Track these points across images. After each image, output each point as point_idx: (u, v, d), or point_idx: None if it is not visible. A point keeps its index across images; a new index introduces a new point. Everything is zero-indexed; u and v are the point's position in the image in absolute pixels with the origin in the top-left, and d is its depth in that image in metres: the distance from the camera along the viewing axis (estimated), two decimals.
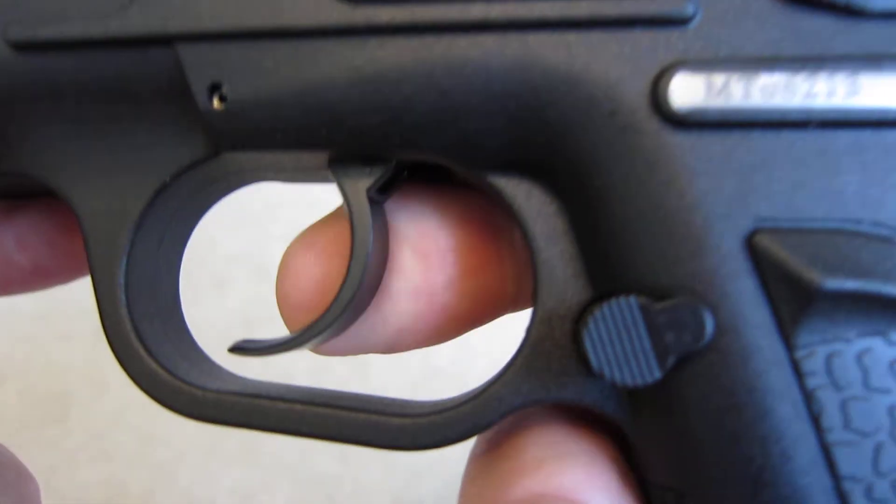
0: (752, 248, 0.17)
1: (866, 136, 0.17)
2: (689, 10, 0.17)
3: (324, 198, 0.65)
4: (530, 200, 0.20)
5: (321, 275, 0.22)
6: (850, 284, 0.16)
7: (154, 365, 0.22)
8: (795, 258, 0.17)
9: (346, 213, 0.21)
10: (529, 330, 0.20)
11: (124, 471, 0.61)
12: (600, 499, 0.19)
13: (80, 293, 0.64)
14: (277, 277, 0.23)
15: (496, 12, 0.18)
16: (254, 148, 0.20)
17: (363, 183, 0.20)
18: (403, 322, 0.22)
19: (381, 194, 0.21)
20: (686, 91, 0.17)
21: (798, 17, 0.17)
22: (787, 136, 0.17)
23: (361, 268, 0.20)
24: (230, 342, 0.25)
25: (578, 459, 0.19)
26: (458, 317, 0.23)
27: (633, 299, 0.17)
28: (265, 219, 0.63)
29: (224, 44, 0.19)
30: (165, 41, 0.19)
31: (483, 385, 0.20)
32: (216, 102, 0.19)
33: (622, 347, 0.18)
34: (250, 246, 0.62)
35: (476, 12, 0.18)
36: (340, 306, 0.21)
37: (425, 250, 0.22)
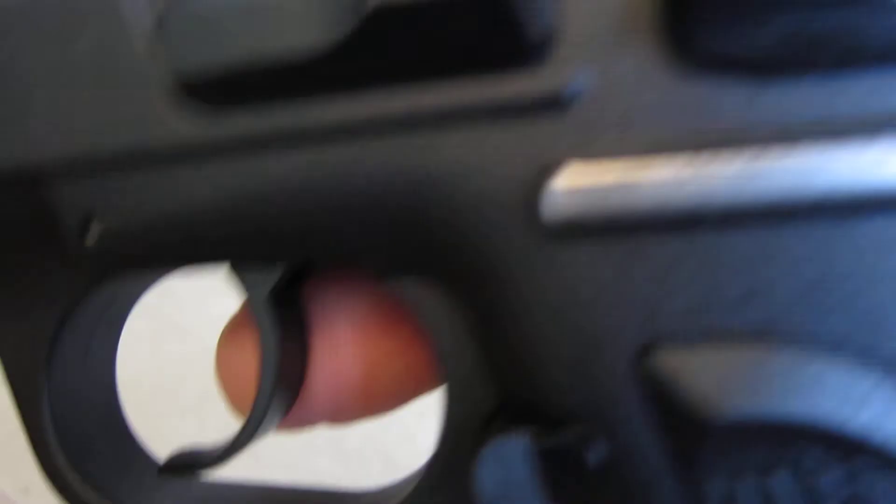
0: (647, 370, 0.15)
1: (775, 230, 0.14)
2: (570, 92, 0.14)
3: None
4: (428, 301, 0.18)
5: (254, 363, 0.22)
6: (752, 413, 0.14)
7: (92, 494, 0.21)
8: (691, 382, 0.14)
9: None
10: (439, 439, 0.19)
11: None
12: None
13: None
14: (216, 367, 0.23)
15: (356, 112, 0.16)
16: (133, 271, 0.19)
17: (265, 285, 0.19)
18: (328, 408, 0.23)
19: (288, 290, 0.20)
20: (563, 195, 0.14)
21: (697, 91, 0.14)
22: (684, 239, 0.14)
23: (272, 373, 0.20)
24: None
25: None
26: (382, 400, 0.23)
27: (520, 437, 0.15)
28: None
29: (89, 175, 0.18)
30: (26, 178, 0.18)
31: (400, 485, 0.20)
32: (88, 238, 0.18)
33: (509, 485, 0.16)
34: None
35: (335, 114, 0.16)
36: (261, 409, 0.20)
37: (339, 340, 0.22)
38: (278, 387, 0.20)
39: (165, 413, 0.61)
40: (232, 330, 0.23)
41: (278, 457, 0.63)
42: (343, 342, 0.22)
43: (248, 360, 0.22)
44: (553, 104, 0.14)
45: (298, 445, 0.63)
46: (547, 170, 0.14)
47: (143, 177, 0.17)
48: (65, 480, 0.21)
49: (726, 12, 0.13)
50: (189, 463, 0.23)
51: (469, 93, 0.15)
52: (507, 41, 0.14)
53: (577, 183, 0.14)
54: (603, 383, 0.15)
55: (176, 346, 0.62)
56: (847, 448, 0.14)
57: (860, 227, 0.13)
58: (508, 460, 0.16)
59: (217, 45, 0.15)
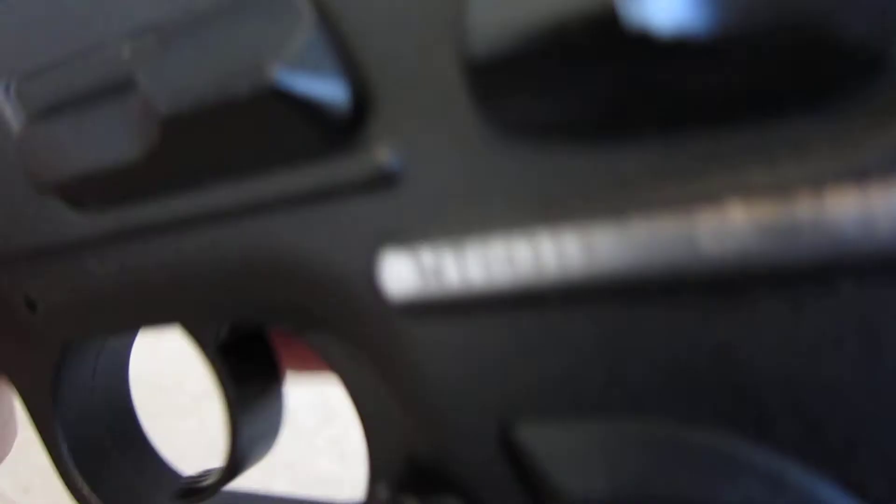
0: (510, 445, 0.14)
1: (626, 308, 0.12)
2: (387, 169, 0.13)
3: None
4: (333, 351, 0.17)
5: None
6: (613, 493, 0.13)
7: None
8: (551, 458, 0.13)
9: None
10: (367, 479, 0.19)
11: None
12: None
13: None
14: None
15: (201, 206, 0.16)
16: (95, 337, 0.21)
17: (214, 342, 0.19)
18: None
19: (242, 342, 0.20)
20: (399, 274, 0.14)
21: (520, 160, 0.13)
22: (533, 317, 0.13)
23: (236, 418, 0.21)
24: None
25: None
26: None
27: None
28: None
29: (19, 266, 0.20)
30: None
31: None
32: (38, 312, 0.20)
33: None
34: None
35: (175, 209, 0.17)
36: (236, 455, 0.22)
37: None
38: (247, 426, 0.21)
39: (165, 413, 0.61)
40: None
41: (278, 457, 0.63)
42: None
43: None
44: (370, 184, 0.14)
45: (299, 446, 0.63)
46: (378, 249, 0.14)
47: (57, 264, 0.19)
48: (84, 498, 0.22)
49: (521, 86, 0.12)
50: (191, 491, 0.23)
51: (288, 180, 0.15)
52: (307, 133, 0.14)
53: (402, 264, 0.14)
54: (472, 457, 0.15)
55: (176, 345, 0.62)
56: None
57: (715, 304, 0.12)
58: None
59: (66, 159, 0.17)
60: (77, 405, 0.23)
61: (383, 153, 0.13)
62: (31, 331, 0.21)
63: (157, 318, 0.19)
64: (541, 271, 0.12)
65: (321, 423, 0.64)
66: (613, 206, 0.12)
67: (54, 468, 0.22)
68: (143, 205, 0.17)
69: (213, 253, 0.17)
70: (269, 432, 0.22)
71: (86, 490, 0.22)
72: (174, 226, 0.17)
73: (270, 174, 0.15)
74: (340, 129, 0.14)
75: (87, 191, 0.17)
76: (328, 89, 0.13)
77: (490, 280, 0.13)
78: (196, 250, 0.17)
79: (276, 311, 0.17)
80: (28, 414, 0.22)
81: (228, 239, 0.16)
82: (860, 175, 0.10)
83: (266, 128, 0.14)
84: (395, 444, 0.17)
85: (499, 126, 0.13)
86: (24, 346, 0.21)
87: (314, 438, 0.58)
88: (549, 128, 0.12)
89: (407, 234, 0.14)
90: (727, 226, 0.11)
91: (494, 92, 0.12)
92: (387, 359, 0.15)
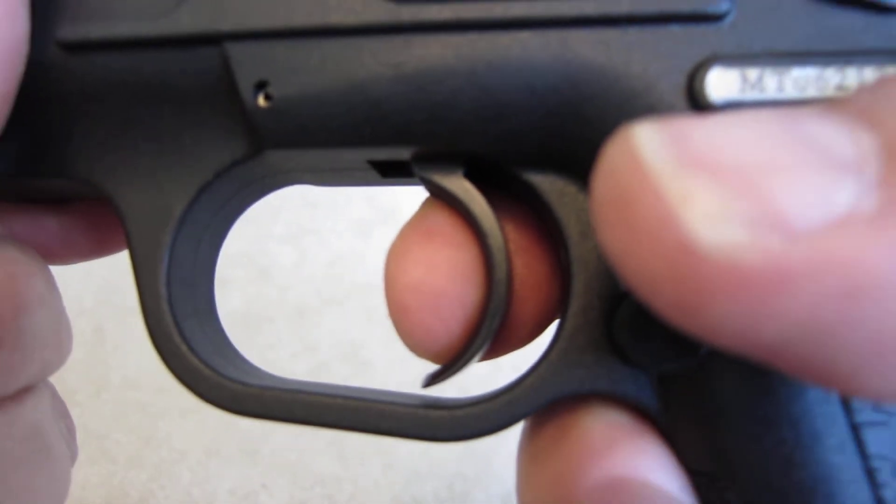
0: None
1: None
2: (723, 6, 0.17)
3: (323, 200, 0.66)
4: (564, 197, 0.20)
5: (454, 261, 0.21)
6: None
7: (196, 362, 0.22)
8: None
9: (458, 207, 0.21)
10: (563, 322, 0.20)
11: (124, 471, 0.60)
12: (669, 480, 0.19)
13: (80, 293, 0.64)
14: (391, 274, 0.21)
15: (538, 10, 0.18)
16: (296, 146, 0.20)
17: (457, 170, 0.20)
18: (528, 315, 0.22)
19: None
20: (722, 84, 0.17)
21: (828, 14, 0.17)
22: None
23: (503, 256, 0.20)
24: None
25: (643, 441, 0.19)
26: (556, 306, 0.22)
27: None
28: (265, 219, 0.64)
29: (271, 42, 0.19)
30: (214, 40, 0.19)
31: (518, 378, 0.20)
32: (261, 100, 0.19)
33: (658, 334, 0.18)
34: (250, 246, 0.62)
35: (518, 10, 0.18)
36: (499, 301, 0.21)
37: (524, 244, 0.22)
38: (510, 279, 0.21)
39: (165, 413, 0.61)
40: (420, 230, 0.22)
41: (278, 457, 0.63)
42: (531, 244, 0.22)
43: (440, 265, 0.21)
44: (711, 14, 0.17)
45: (299, 446, 0.63)
46: (708, 63, 0.17)
47: (323, 50, 0.19)
48: (174, 346, 0.22)
49: None
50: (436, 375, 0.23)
51: (638, 2, 0.18)
52: None
53: (729, 78, 0.17)
54: None
55: None
56: None
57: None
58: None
59: None
60: (181, 267, 0.22)
61: None
62: (243, 124, 0.20)
63: (389, 135, 0.19)
64: (840, 93, 0.17)
65: None
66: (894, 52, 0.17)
67: (143, 315, 0.22)
68: (462, 0, 0.18)
69: (516, 59, 0.18)
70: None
71: (177, 339, 0.22)
72: (486, 26, 0.18)
73: None
74: None
75: None
76: None
77: (800, 93, 0.17)
78: (497, 54, 0.18)
79: (539, 141, 0.19)
80: (133, 255, 0.22)
81: (541, 48, 0.18)
82: None
83: None
84: (605, 283, 0.19)
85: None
86: (212, 147, 0.21)
87: (314, 439, 0.59)
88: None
89: (730, 56, 0.17)
90: None
91: None
92: None
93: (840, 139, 0.12)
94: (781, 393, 0.17)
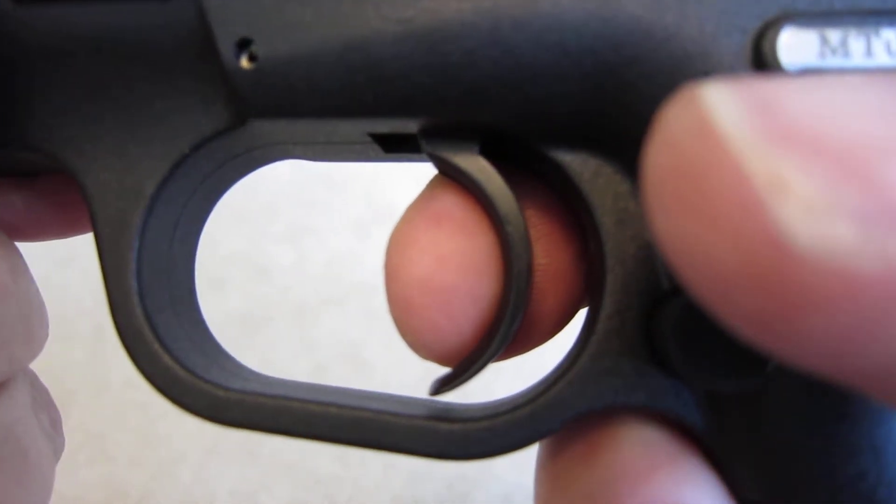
0: None
1: None
2: None
3: (321, 199, 0.66)
4: (598, 179, 0.17)
5: (463, 252, 0.18)
6: None
7: (170, 362, 0.19)
8: None
9: (469, 186, 0.18)
10: (594, 324, 0.17)
11: (124, 471, 0.60)
12: None
13: (80, 293, 0.64)
14: (393, 265, 0.19)
15: None
16: (285, 115, 0.17)
17: (470, 150, 0.18)
18: (548, 311, 0.20)
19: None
20: (797, 48, 0.15)
21: None
22: None
23: (525, 245, 0.18)
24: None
25: (688, 465, 0.17)
26: (579, 298, 0.20)
27: None
28: (265, 219, 0.63)
29: None
30: None
31: (541, 385, 0.18)
32: (244, 61, 0.17)
33: (714, 345, 0.15)
34: (250, 246, 0.62)
35: None
36: (520, 296, 0.18)
37: (545, 229, 0.19)
38: (531, 267, 0.18)
39: (165, 413, 0.61)
40: (427, 214, 0.19)
41: (278, 457, 0.63)
42: (554, 229, 0.20)
43: (450, 255, 0.18)
44: None
45: (299, 446, 0.63)
46: (779, 23, 0.15)
47: (318, 3, 0.16)
48: (144, 343, 0.19)
49: None
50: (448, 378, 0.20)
51: None
52: None
53: (809, 38, 0.15)
54: None
55: None
56: None
57: None
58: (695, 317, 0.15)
59: None
60: (153, 252, 0.20)
61: None
62: (224, 88, 0.17)
63: (390, 104, 0.17)
64: None
65: None
66: None
67: (110, 306, 0.20)
68: None
69: (545, 14, 0.15)
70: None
71: (149, 335, 0.19)
72: None
73: None
74: None
75: None
76: None
77: (892, 60, 0.14)
78: (523, 8, 0.15)
79: (554, 118, 0.17)
80: (97, 238, 0.19)
81: (576, 1, 0.15)
82: None
83: None
84: (645, 279, 0.17)
85: None
86: (188, 115, 0.18)
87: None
88: None
89: (806, 15, 0.15)
90: None
91: None
92: None
93: None
94: (862, 414, 0.15)
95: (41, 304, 0.22)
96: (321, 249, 0.64)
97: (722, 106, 0.09)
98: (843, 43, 0.14)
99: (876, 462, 0.14)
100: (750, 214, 0.09)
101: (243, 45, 0.17)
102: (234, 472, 0.61)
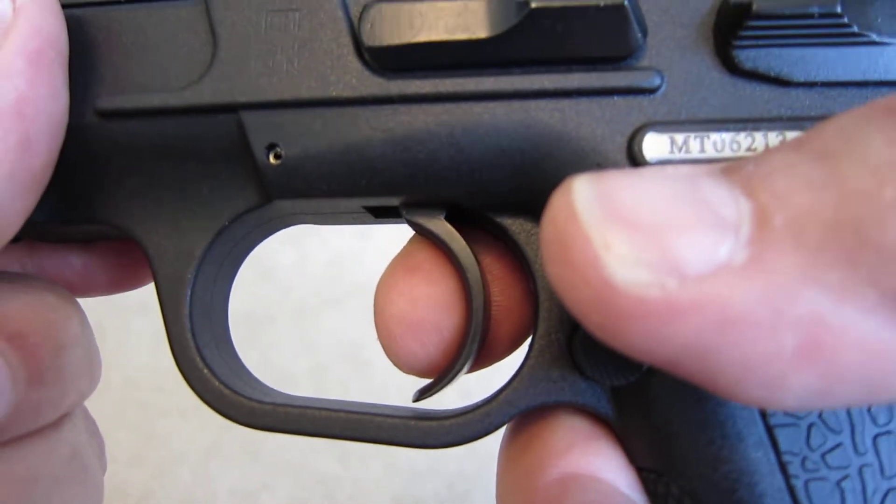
0: None
1: None
2: (656, 81, 0.21)
3: None
4: (531, 237, 0.24)
5: (431, 295, 0.25)
6: None
7: (218, 384, 0.25)
8: None
9: (440, 245, 0.25)
10: (532, 343, 0.23)
11: (124, 471, 0.60)
12: (619, 476, 0.22)
13: None
14: (379, 304, 0.25)
15: (504, 84, 0.21)
16: (301, 196, 0.23)
17: (440, 214, 0.24)
18: (503, 336, 0.25)
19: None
20: (655, 147, 0.21)
21: (741, 87, 0.21)
22: None
23: (480, 288, 0.24)
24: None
25: (598, 443, 0.23)
26: (527, 326, 0.26)
27: None
28: None
29: (280, 111, 0.23)
30: (231, 109, 0.23)
31: (494, 392, 0.24)
32: (272, 159, 0.23)
33: (609, 354, 0.21)
34: None
35: (488, 84, 0.21)
36: (477, 326, 0.24)
37: (499, 273, 0.25)
38: (486, 306, 0.24)
39: (165, 413, 0.61)
40: (405, 265, 0.26)
41: (278, 457, 0.63)
42: (504, 274, 0.26)
43: (426, 292, 0.25)
44: (647, 88, 0.21)
45: (299, 446, 0.63)
46: (644, 129, 0.21)
47: (325, 117, 0.22)
48: (198, 371, 0.25)
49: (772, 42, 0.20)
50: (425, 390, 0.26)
51: (587, 78, 0.21)
52: (620, 44, 0.21)
53: (661, 141, 0.21)
54: None
55: None
56: None
57: None
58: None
59: (409, 29, 0.21)
60: (200, 301, 0.25)
61: (654, 71, 0.21)
62: (256, 178, 0.23)
63: (382, 186, 0.23)
64: (749, 154, 0.20)
65: None
66: (792, 119, 0.21)
67: (171, 342, 0.25)
68: (441, 77, 0.22)
69: (486, 125, 0.22)
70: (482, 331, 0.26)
71: (200, 364, 0.25)
72: (461, 98, 0.22)
73: (573, 70, 0.21)
74: (634, 49, 0.21)
75: (406, 57, 0.21)
76: (639, 18, 0.21)
77: (718, 153, 0.20)
78: (471, 121, 0.22)
79: (510, 192, 0.23)
80: (161, 297, 0.25)
81: (513, 116, 0.22)
82: None
83: (594, 34, 0.20)
84: (566, 311, 0.21)
85: (728, 66, 0.21)
86: (228, 197, 0.24)
87: (314, 439, 0.59)
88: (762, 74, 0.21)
89: (662, 123, 0.21)
90: None
91: (733, 42, 0.20)
92: None
93: (727, 202, 0.14)
94: (711, 401, 0.21)
95: (97, 348, 0.28)
96: (322, 250, 0.64)
97: (580, 194, 0.15)
98: (685, 143, 0.21)
99: (720, 431, 0.21)
100: (592, 265, 0.14)
101: (271, 147, 0.23)
102: (234, 471, 0.61)
